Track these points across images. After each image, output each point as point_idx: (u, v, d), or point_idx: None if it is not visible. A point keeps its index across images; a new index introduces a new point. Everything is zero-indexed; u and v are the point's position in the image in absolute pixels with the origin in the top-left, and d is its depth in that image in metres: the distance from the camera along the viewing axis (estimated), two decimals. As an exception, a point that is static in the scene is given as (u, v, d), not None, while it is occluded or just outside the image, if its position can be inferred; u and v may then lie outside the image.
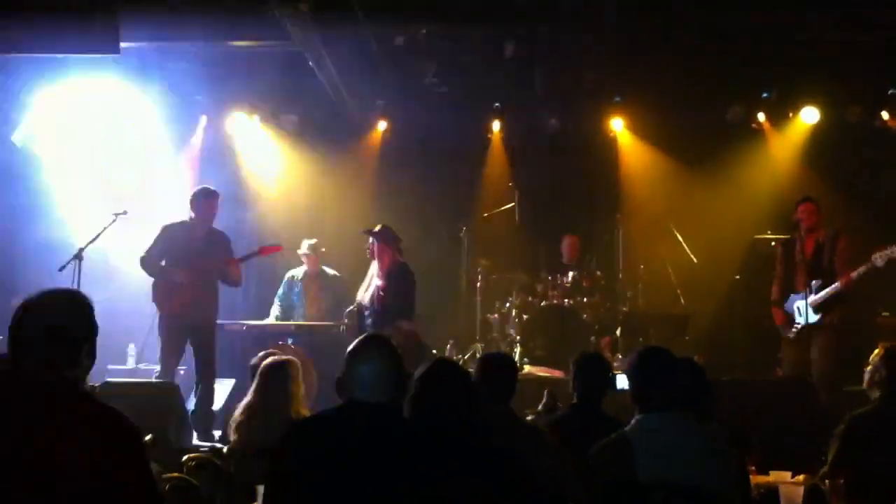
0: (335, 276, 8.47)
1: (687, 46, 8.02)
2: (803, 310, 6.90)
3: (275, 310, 8.37)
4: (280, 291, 8.45)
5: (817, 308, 6.85)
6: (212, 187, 7.17)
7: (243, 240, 9.20)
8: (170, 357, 6.87)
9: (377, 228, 7.16)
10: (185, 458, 3.98)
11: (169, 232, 6.95)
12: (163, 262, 6.90)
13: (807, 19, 7.62)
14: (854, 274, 6.69)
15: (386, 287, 6.96)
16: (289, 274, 8.50)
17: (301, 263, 8.46)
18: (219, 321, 7.31)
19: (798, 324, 6.97)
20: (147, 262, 6.88)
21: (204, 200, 6.98)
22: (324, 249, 8.44)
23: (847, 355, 6.90)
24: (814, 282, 6.86)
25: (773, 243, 7.37)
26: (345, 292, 8.24)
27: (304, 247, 8.37)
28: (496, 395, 3.62)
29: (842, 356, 6.80)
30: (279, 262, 8.72)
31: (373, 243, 7.14)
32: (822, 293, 6.80)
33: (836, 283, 6.76)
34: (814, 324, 6.85)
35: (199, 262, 6.84)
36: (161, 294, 6.85)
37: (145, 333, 7.87)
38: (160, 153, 9.37)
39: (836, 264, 6.89)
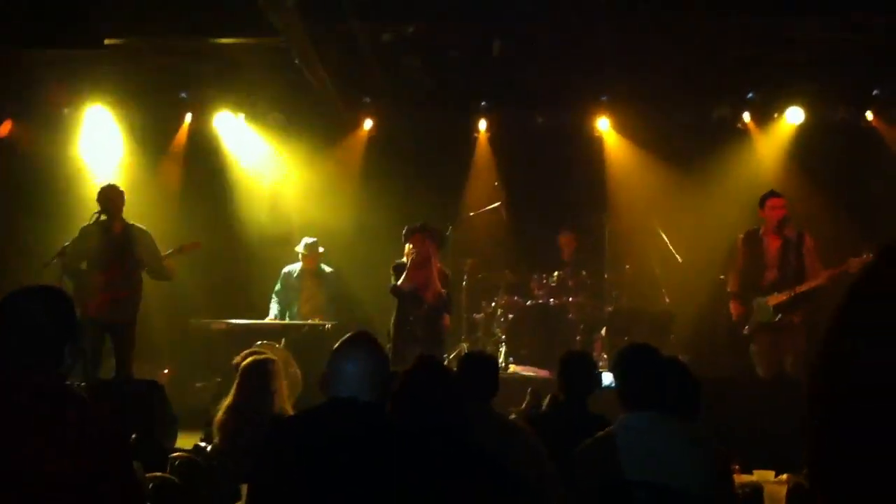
0: (331, 272, 8.48)
1: (672, 46, 8.03)
2: (770, 306, 6.95)
3: (273, 307, 8.35)
4: (276, 287, 8.43)
5: (784, 306, 6.89)
6: (114, 183, 7.19)
7: (228, 237, 9.17)
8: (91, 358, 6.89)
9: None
10: (169, 457, 3.95)
11: (83, 233, 6.98)
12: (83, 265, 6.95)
13: (792, 20, 7.65)
14: (832, 271, 6.73)
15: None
16: (285, 270, 8.48)
17: (296, 259, 8.44)
18: (205, 320, 7.31)
19: (761, 320, 7.00)
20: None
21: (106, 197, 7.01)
22: (322, 249, 8.41)
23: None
24: (779, 278, 6.92)
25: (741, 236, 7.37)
26: (340, 288, 8.35)
27: (302, 246, 8.34)
28: (478, 394, 3.61)
29: (809, 354, 6.84)
30: (278, 259, 8.71)
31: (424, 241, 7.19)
32: (799, 289, 6.83)
33: (819, 278, 6.77)
34: (779, 322, 6.90)
35: (117, 260, 6.93)
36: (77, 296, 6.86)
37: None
38: (144, 151, 9.33)
39: (806, 261, 6.92)
